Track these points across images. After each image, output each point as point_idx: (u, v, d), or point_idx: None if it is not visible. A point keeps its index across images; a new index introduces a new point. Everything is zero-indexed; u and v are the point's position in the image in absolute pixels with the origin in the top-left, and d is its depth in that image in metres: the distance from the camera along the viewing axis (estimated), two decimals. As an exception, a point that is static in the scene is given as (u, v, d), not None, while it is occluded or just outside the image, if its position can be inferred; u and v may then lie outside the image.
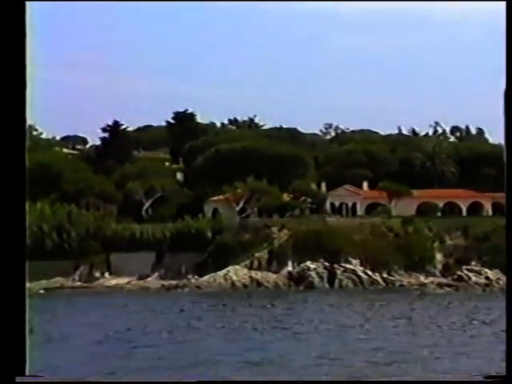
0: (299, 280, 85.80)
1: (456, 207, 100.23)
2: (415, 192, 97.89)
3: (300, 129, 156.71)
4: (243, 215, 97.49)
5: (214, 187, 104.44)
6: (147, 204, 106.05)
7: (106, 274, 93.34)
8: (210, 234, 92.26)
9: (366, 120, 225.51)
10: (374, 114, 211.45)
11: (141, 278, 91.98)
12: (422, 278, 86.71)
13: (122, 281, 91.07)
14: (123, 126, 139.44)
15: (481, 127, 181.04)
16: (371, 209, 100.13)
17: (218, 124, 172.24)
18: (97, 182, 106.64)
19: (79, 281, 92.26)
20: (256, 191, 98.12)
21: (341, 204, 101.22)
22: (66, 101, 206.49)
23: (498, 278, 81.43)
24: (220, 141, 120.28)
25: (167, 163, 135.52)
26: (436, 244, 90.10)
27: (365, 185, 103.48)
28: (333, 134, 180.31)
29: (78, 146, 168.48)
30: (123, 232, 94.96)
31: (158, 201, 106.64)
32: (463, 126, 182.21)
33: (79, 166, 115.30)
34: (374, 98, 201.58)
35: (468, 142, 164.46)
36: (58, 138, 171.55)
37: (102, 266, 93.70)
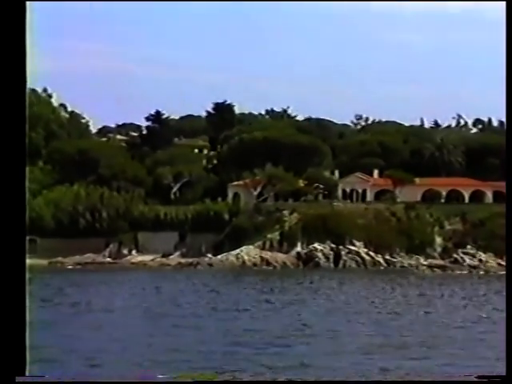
0: (307, 260, 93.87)
1: (459, 195, 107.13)
2: (418, 180, 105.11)
3: (334, 120, 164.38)
4: (260, 199, 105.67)
5: (237, 173, 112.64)
6: (175, 188, 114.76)
7: (134, 252, 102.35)
8: (227, 216, 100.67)
9: (402, 112, 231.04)
10: (409, 106, 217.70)
11: (164, 255, 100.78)
12: (422, 260, 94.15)
13: (147, 258, 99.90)
14: (165, 115, 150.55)
15: (502, 119, 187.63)
16: (380, 195, 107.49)
17: (257, 114, 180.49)
18: (130, 168, 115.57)
19: (109, 257, 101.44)
20: (273, 177, 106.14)
21: (351, 190, 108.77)
22: (125, 90, 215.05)
23: (487, 261, 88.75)
24: (251, 130, 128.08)
25: (206, 150, 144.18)
26: (436, 229, 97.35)
27: (375, 173, 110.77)
28: (363, 124, 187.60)
29: (134, 133, 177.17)
30: (149, 213, 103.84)
31: (186, 185, 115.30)
32: (485, 119, 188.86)
33: (118, 153, 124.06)
34: (414, 90, 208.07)
35: (488, 133, 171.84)
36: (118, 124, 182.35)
37: (131, 244, 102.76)
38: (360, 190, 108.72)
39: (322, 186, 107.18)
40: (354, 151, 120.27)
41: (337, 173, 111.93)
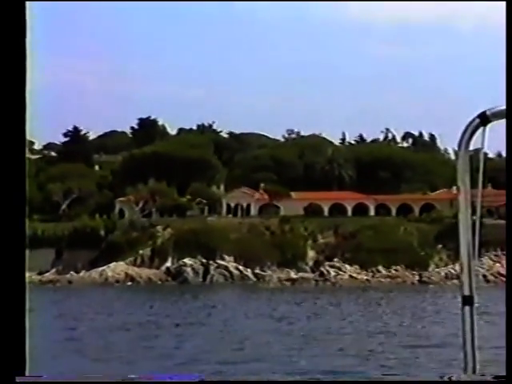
0: (176, 275, 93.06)
1: (343, 208, 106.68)
2: (294, 194, 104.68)
3: (269, 135, 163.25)
4: (144, 214, 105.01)
5: (126, 188, 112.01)
6: (64, 204, 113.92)
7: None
8: (103, 233, 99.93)
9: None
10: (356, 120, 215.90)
11: (41, 273, 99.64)
12: (293, 274, 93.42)
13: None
14: (83, 132, 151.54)
15: (433, 133, 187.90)
16: (264, 210, 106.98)
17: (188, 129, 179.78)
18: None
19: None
20: (155, 192, 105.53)
21: (236, 205, 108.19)
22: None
23: (338, 274, 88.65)
24: (162, 146, 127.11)
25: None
26: (309, 242, 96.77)
27: (261, 187, 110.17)
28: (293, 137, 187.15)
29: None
30: (27, 231, 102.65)
31: (76, 201, 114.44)
32: (416, 132, 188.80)
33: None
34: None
35: (418, 148, 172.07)
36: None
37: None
38: (245, 205, 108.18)
39: (204, 201, 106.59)
40: (248, 165, 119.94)
41: (222, 187, 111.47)
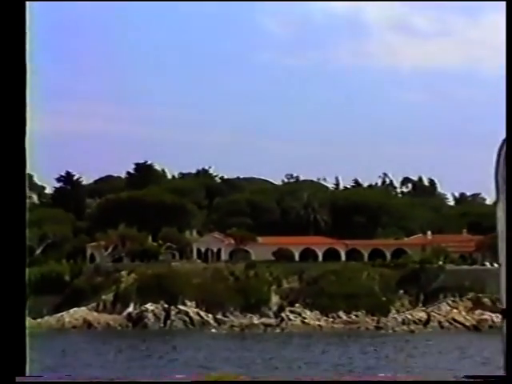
0: (137, 321, 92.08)
1: (313, 253, 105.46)
2: (261, 239, 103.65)
3: (271, 180, 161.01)
4: (114, 259, 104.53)
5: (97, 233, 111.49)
6: (38, 250, 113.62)
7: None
8: (68, 278, 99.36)
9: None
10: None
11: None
12: (255, 319, 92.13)
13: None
14: (76, 177, 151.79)
15: (433, 178, 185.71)
16: (235, 255, 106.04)
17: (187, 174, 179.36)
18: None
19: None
20: (125, 237, 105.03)
21: (206, 250, 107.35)
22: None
23: (290, 319, 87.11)
24: (141, 191, 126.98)
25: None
26: (273, 287, 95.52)
27: (229, 232, 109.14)
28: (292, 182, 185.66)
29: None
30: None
31: (51, 246, 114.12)
32: (415, 178, 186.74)
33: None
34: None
35: (418, 193, 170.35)
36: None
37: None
38: (215, 250, 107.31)
39: (174, 246, 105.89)
40: (224, 210, 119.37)
41: (194, 232, 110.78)
